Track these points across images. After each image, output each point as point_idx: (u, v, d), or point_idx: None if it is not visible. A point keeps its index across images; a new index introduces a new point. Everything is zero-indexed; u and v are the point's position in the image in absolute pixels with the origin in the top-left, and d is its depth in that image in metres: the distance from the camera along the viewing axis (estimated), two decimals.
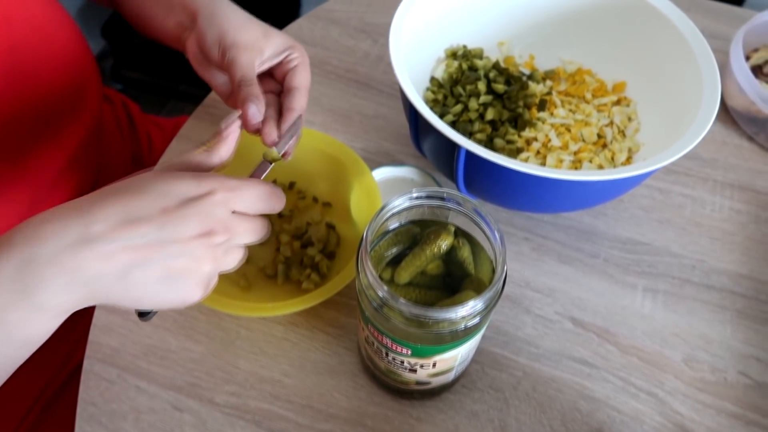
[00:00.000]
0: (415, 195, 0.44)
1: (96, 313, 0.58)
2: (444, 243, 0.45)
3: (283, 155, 0.51)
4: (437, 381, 0.50)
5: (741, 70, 0.68)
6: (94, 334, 0.57)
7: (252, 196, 0.40)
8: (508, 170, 0.50)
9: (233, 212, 0.39)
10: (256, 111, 0.49)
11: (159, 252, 0.36)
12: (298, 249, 0.61)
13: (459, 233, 0.46)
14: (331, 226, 0.62)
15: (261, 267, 0.60)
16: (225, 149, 0.43)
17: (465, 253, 0.46)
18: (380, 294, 0.40)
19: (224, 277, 0.58)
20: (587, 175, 0.50)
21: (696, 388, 0.55)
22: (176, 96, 1.66)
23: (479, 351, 0.56)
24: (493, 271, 0.45)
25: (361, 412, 0.53)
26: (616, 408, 0.54)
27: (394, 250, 0.47)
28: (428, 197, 0.44)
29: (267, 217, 0.42)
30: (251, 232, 0.41)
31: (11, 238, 0.35)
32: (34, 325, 0.36)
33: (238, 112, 0.46)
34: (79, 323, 0.61)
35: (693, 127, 0.54)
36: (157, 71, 1.66)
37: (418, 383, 0.49)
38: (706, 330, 0.58)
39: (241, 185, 0.39)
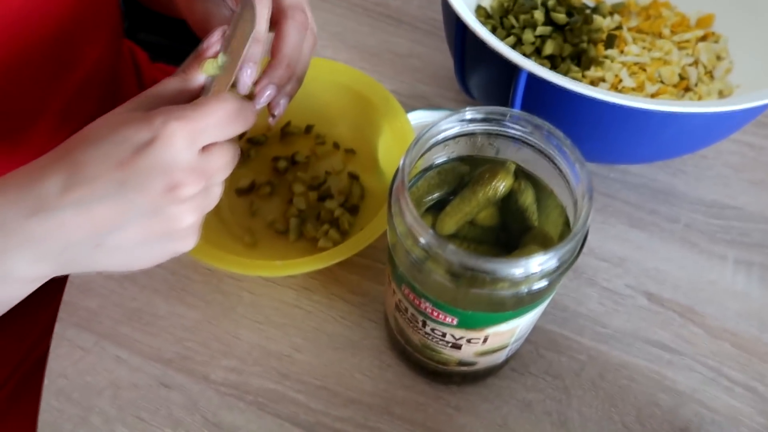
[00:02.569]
0: (468, 116, 0.33)
1: None
2: (501, 184, 0.35)
3: (270, 115, 0.39)
4: (485, 362, 0.39)
5: None
6: (70, 294, 0.48)
7: (217, 120, 0.31)
8: (582, 99, 0.40)
9: (203, 148, 0.32)
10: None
11: (127, 214, 0.31)
12: (315, 201, 0.51)
13: (520, 174, 0.36)
14: (354, 177, 0.52)
15: (270, 221, 0.50)
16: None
17: (528, 198, 0.36)
18: (422, 240, 0.30)
19: (226, 232, 0.49)
20: (685, 106, 0.39)
21: None
22: None
23: (533, 329, 0.46)
24: (566, 221, 0.35)
25: (387, 396, 0.43)
26: (705, 404, 0.43)
27: (435, 195, 0.37)
28: (485, 119, 0.34)
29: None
30: (227, 165, 0.33)
31: None
32: (3, 291, 0.33)
33: (222, 29, 0.35)
34: (49, 307, 0.54)
35: None
36: (176, 34, 1.57)
37: (462, 363, 0.39)
38: None
39: (201, 113, 0.31)
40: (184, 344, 0.46)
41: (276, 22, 0.38)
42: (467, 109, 0.33)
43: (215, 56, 0.35)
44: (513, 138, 0.35)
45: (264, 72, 0.37)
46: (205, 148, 0.32)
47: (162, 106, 0.32)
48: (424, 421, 0.43)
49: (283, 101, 0.39)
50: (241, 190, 0.52)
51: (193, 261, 0.49)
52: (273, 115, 0.39)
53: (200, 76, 0.34)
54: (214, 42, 0.35)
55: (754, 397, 0.43)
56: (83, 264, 0.33)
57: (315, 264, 0.43)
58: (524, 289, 0.31)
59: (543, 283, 0.31)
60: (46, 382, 0.44)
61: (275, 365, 0.45)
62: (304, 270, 0.43)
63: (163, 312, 0.47)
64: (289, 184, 0.52)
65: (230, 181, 0.51)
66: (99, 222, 0.30)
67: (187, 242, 0.34)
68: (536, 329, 0.46)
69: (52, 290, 0.55)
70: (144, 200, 0.30)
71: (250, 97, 0.37)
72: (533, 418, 0.43)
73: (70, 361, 0.45)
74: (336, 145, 0.54)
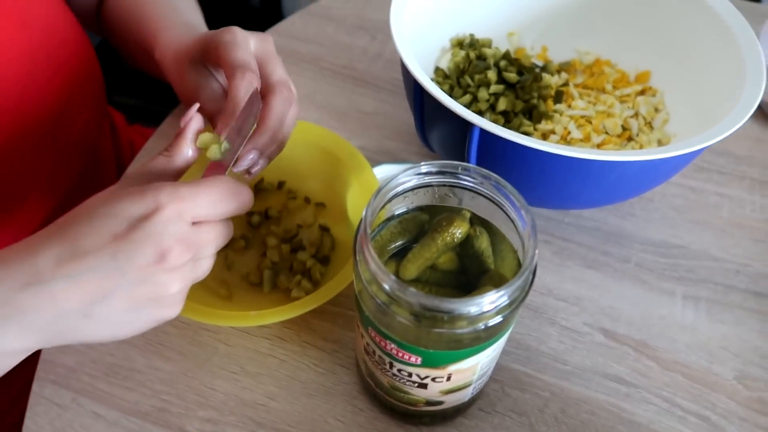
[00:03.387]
0: (424, 169, 0.37)
1: None
2: (458, 230, 0.38)
3: (247, 172, 0.42)
4: (451, 400, 0.41)
5: None
6: (48, 352, 0.49)
7: (209, 200, 0.34)
8: (529, 151, 0.43)
9: (193, 223, 0.34)
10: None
11: (116, 284, 0.32)
12: (287, 254, 0.53)
13: (475, 220, 0.39)
14: (325, 229, 0.55)
15: (244, 274, 0.52)
16: (187, 147, 0.38)
17: (483, 243, 0.39)
18: (385, 285, 0.33)
19: (201, 285, 0.50)
20: (627, 155, 0.43)
21: (754, 410, 0.47)
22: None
23: (498, 368, 0.48)
24: (519, 263, 0.38)
25: None
26: None
27: (398, 243, 0.40)
28: (440, 172, 0.37)
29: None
30: (216, 240, 0.35)
31: None
32: None
33: (196, 105, 0.39)
34: (26, 367, 0.55)
35: (738, 107, 0.47)
36: (151, 96, 1.61)
37: (429, 403, 0.41)
38: (759, 342, 0.50)
39: (194, 191, 0.34)
40: (161, 397, 0.47)
41: (264, 96, 0.42)
42: (423, 163, 0.36)
43: (198, 134, 0.38)
44: (466, 188, 0.38)
45: (250, 138, 0.40)
46: (196, 223, 0.34)
47: (151, 182, 0.34)
48: None
49: (262, 162, 0.42)
50: None
51: None
52: (249, 173, 0.42)
53: (183, 154, 0.37)
54: (190, 118, 0.38)
55: (707, 426, 0.46)
56: (70, 335, 0.34)
57: (288, 313, 0.45)
58: (481, 325, 0.33)
59: (498, 319, 0.33)
60: None
61: (250, 414, 0.46)
62: (278, 319, 0.45)
63: (140, 366, 0.48)
64: (262, 238, 0.54)
65: None
66: (89, 293, 0.32)
67: (172, 309, 0.35)
68: (501, 368, 0.48)
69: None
70: (134, 270, 0.32)
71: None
72: None
73: (47, 419, 0.45)
74: (307, 200, 0.57)
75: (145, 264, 0.32)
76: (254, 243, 0.54)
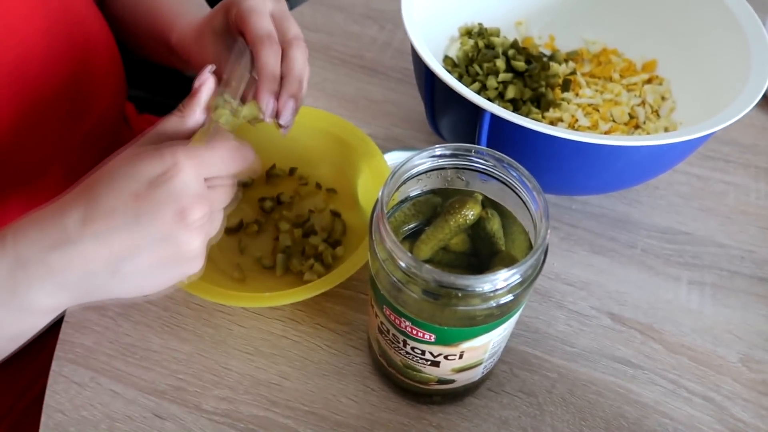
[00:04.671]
0: (438, 152, 0.37)
1: (69, 309, 0.51)
2: (471, 212, 0.39)
3: (279, 125, 0.44)
4: (462, 379, 0.42)
5: None
6: (66, 333, 0.50)
7: (219, 158, 0.36)
8: (540, 136, 0.44)
9: (205, 181, 0.36)
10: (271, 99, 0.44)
11: (141, 242, 0.34)
12: (300, 238, 0.54)
13: (487, 203, 0.40)
14: (336, 214, 0.56)
15: (257, 258, 0.53)
16: (200, 109, 0.39)
17: (494, 225, 0.39)
18: (401, 263, 0.34)
19: (216, 269, 0.52)
20: (636, 140, 0.44)
21: (758, 392, 0.47)
22: None
23: (507, 350, 0.49)
24: (529, 245, 0.39)
25: (372, 419, 0.46)
26: (668, 414, 0.46)
27: (411, 225, 0.40)
28: (453, 155, 0.38)
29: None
30: (227, 197, 0.38)
31: (4, 238, 0.34)
32: (24, 323, 0.37)
33: (211, 67, 0.40)
34: (45, 346, 0.56)
35: (743, 94, 0.48)
36: (157, 89, 1.61)
37: (441, 381, 0.42)
38: (764, 326, 0.51)
39: (206, 150, 0.35)
40: (177, 376, 0.48)
41: (284, 50, 0.44)
42: (437, 146, 0.37)
43: (213, 96, 0.39)
44: (479, 171, 0.39)
45: (282, 89, 0.43)
46: (208, 181, 0.36)
47: (164, 142, 0.36)
48: None
49: (292, 106, 0.43)
50: (230, 229, 0.55)
51: (184, 298, 0.52)
52: (283, 126, 0.44)
53: (196, 115, 0.39)
54: (205, 80, 0.39)
55: (712, 407, 0.47)
56: (99, 292, 0.35)
57: (303, 294, 0.46)
58: (493, 303, 0.34)
59: (509, 297, 0.34)
60: (43, 418, 0.46)
61: (265, 393, 0.47)
62: (292, 300, 0.46)
63: (156, 346, 0.49)
64: (275, 223, 0.55)
65: None
66: (116, 251, 0.34)
67: (194, 265, 0.37)
68: (510, 350, 0.49)
69: (49, 330, 0.57)
70: (157, 228, 0.33)
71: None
72: None
73: (66, 397, 0.47)
74: (318, 186, 0.58)
75: (166, 221, 0.33)
76: (267, 228, 0.55)
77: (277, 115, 0.43)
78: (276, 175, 0.59)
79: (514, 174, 0.37)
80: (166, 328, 0.50)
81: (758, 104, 0.67)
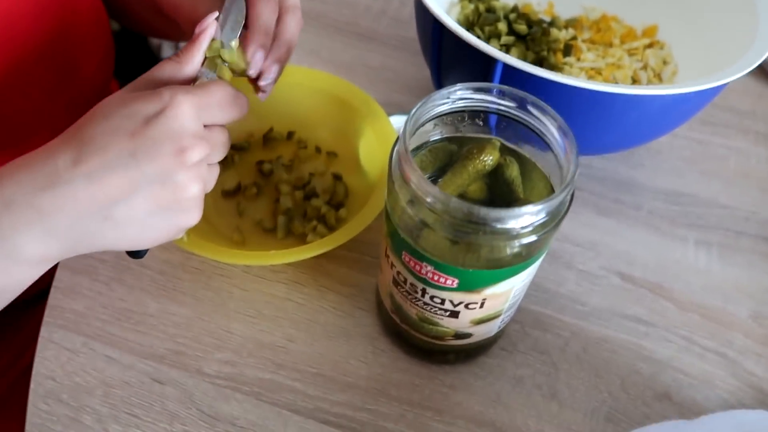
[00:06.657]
0: (458, 90, 0.36)
1: (58, 274, 0.48)
2: (489, 158, 0.37)
3: (259, 89, 0.42)
4: (479, 333, 0.41)
5: None
6: (55, 298, 0.47)
7: (217, 103, 0.34)
8: (557, 87, 0.43)
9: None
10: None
11: (136, 182, 0.31)
12: (301, 200, 0.52)
13: (505, 150, 0.39)
14: (338, 177, 0.54)
15: (257, 220, 0.51)
16: (200, 55, 0.37)
17: (513, 172, 0.38)
18: (428, 199, 0.32)
19: (215, 231, 0.50)
20: (655, 89, 0.43)
21: None
22: None
23: (518, 310, 0.48)
24: (550, 191, 0.38)
25: (383, 380, 0.44)
26: (682, 370, 0.46)
27: (428, 173, 0.39)
28: (477, 89, 0.36)
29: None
30: (224, 145, 0.36)
31: None
32: (10, 275, 0.33)
33: (215, 14, 0.38)
34: (34, 314, 0.53)
35: (751, 51, 0.48)
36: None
37: (457, 335, 0.41)
38: None
39: (204, 91, 0.34)
40: (176, 340, 0.45)
41: (280, 16, 0.41)
42: (458, 84, 0.36)
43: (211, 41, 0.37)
44: (498, 115, 0.37)
45: (270, 51, 0.40)
46: (206, 126, 0.34)
47: (161, 86, 0.34)
48: (421, 400, 0.43)
49: (276, 70, 0.41)
50: (228, 192, 0.52)
51: (181, 261, 0.49)
52: (263, 91, 0.42)
53: (195, 62, 0.36)
54: (206, 26, 0.37)
55: (725, 362, 0.46)
56: (91, 240, 0.33)
57: (311, 251, 0.44)
58: (517, 243, 0.33)
59: (533, 237, 0.33)
60: (32, 385, 0.43)
61: (270, 356, 0.45)
62: (298, 257, 0.44)
63: (152, 311, 0.47)
64: (275, 185, 0.53)
65: (216, 185, 0.52)
66: (109, 192, 0.31)
67: (191, 215, 0.35)
68: (521, 310, 0.48)
69: (37, 299, 0.54)
70: (154, 168, 0.31)
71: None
72: (525, 392, 0.44)
73: (57, 364, 0.44)
74: (318, 149, 0.56)
75: (164, 160, 0.31)
76: (266, 190, 0.53)
77: (259, 76, 0.40)
78: (273, 138, 0.56)
79: (541, 110, 0.35)
80: (163, 292, 0.48)
81: (754, 72, 0.67)
